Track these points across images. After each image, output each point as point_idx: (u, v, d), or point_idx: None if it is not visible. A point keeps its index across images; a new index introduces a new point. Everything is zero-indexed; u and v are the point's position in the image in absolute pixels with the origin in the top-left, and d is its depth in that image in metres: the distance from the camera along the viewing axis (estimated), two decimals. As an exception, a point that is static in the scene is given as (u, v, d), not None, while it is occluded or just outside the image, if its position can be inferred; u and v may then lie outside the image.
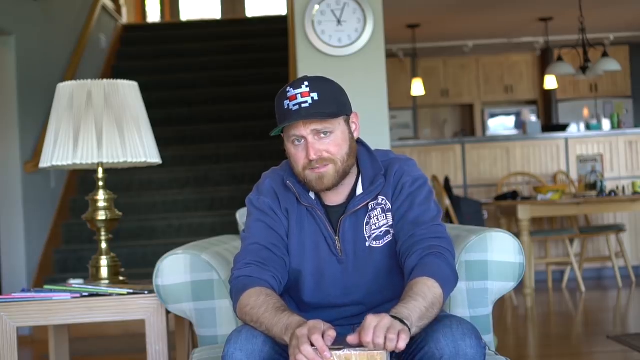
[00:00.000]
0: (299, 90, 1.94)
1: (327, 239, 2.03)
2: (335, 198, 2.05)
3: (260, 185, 2.10)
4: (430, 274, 1.86)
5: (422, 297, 1.80)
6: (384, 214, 2.03)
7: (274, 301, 1.87)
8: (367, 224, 2.03)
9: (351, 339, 1.68)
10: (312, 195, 2.05)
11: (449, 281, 1.90)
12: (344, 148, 1.98)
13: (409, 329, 1.70)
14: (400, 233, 2.00)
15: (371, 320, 1.67)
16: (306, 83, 1.96)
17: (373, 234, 2.03)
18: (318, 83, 1.97)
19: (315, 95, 1.94)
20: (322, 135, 1.95)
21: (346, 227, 2.03)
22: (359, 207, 2.02)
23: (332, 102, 1.96)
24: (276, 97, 2.01)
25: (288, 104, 1.95)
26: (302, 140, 1.96)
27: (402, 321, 1.70)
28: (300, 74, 5.05)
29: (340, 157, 1.97)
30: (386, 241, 2.03)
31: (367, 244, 2.03)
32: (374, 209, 2.04)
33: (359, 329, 1.68)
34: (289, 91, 1.96)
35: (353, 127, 2.03)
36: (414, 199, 2.02)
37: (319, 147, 1.95)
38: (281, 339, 1.77)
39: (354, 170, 2.06)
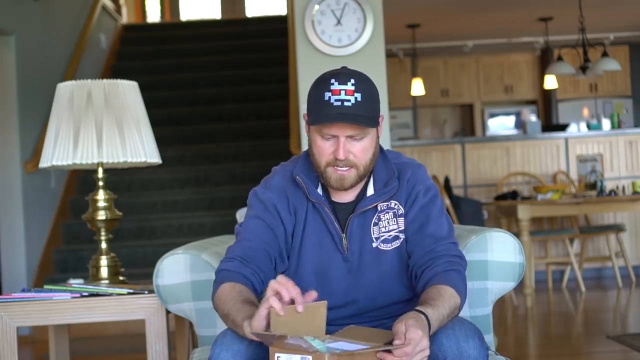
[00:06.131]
0: (344, 87, 1.90)
1: (334, 236, 2.00)
2: (345, 196, 2.03)
3: (270, 180, 2.06)
4: (453, 285, 1.88)
5: (448, 305, 1.82)
6: (395, 219, 2.01)
7: (244, 296, 1.84)
8: (376, 224, 2.01)
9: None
10: (320, 191, 2.02)
11: (463, 297, 1.92)
12: (369, 153, 1.96)
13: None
14: (417, 246, 1.98)
15: (415, 333, 1.65)
16: (352, 81, 1.91)
17: (381, 236, 2.00)
18: (362, 83, 1.92)
19: (359, 96, 1.90)
20: (355, 139, 1.93)
21: (354, 226, 2.00)
22: (368, 207, 2.00)
23: (372, 107, 1.92)
24: (315, 82, 1.96)
25: (330, 97, 1.89)
26: (334, 138, 1.93)
27: (428, 321, 1.72)
28: (301, 74, 5.04)
29: (364, 162, 1.95)
30: (394, 246, 2.01)
31: (374, 244, 2.00)
32: (384, 211, 2.01)
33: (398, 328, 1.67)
34: (333, 84, 1.91)
35: (379, 130, 2.00)
36: (429, 212, 2.00)
37: (348, 148, 1.93)
38: (240, 328, 1.74)
39: None
